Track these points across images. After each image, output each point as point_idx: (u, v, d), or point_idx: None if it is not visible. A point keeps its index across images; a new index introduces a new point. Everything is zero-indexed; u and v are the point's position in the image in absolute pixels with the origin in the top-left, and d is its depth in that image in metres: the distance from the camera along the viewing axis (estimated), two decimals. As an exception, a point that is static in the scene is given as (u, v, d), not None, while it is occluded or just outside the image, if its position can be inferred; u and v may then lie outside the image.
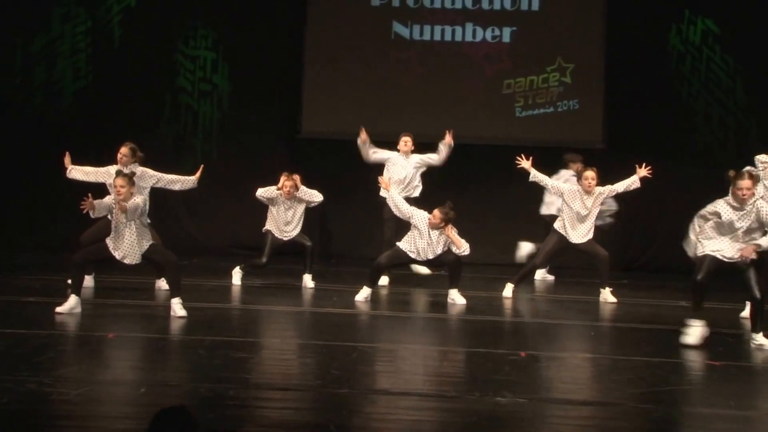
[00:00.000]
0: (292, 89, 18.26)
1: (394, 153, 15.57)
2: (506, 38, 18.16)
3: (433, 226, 13.76)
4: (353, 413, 9.18)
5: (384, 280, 15.22)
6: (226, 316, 13.18)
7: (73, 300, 12.66)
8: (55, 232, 17.19)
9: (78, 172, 13.98)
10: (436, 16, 18.22)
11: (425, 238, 13.80)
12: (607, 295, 14.42)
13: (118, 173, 12.76)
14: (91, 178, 13.95)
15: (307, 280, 15.02)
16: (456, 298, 14.07)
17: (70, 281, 12.97)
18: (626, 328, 13.17)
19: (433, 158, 15.55)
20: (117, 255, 12.61)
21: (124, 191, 12.43)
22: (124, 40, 18.26)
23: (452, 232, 13.59)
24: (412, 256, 13.99)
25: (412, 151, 15.53)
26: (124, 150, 13.85)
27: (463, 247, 13.69)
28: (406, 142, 15.52)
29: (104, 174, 13.88)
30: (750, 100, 17.56)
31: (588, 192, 14.09)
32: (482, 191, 17.16)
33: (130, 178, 12.61)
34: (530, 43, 18.08)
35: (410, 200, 14.80)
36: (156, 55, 18.24)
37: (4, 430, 8.36)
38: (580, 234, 14.28)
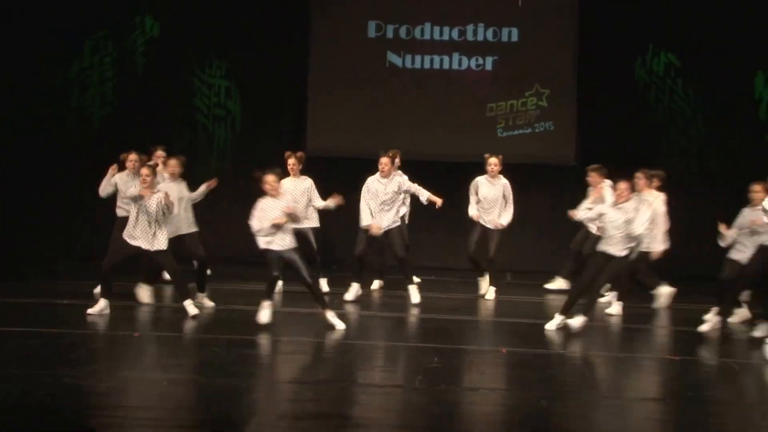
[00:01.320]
0: (297, 112, 18.32)
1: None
2: (489, 66, 18.23)
3: (384, 174, 13.97)
4: (353, 404, 9.28)
5: (376, 284, 15.28)
6: (239, 317, 13.20)
7: (102, 302, 12.76)
8: (84, 243, 17.32)
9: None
10: (426, 46, 18.29)
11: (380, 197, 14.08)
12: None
13: (145, 165, 12.96)
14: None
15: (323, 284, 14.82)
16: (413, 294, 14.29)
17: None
18: (600, 327, 13.25)
19: (420, 194, 14.56)
20: (133, 243, 12.73)
21: (150, 180, 12.66)
22: (147, 68, 18.33)
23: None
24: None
25: (399, 167, 14.68)
26: (133, 156, 13.79)
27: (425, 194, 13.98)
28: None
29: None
30: (708, 125, 17.64)
31: None
32: (467, 204, 17.15)
33: (153, 168, 12.84)
34: (510, 70, 18.14)
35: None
36: (175, 81, 18.31)
37: (42, 419, 8.46)
38: None
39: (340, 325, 12.30)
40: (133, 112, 18.07)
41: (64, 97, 18.27)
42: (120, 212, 13.99)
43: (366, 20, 18.33)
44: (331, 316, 12.36)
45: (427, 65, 18.30)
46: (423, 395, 9.48)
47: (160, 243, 12.76)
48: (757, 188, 12.49)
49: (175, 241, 13.22)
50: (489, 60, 18.23)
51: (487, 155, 14.82)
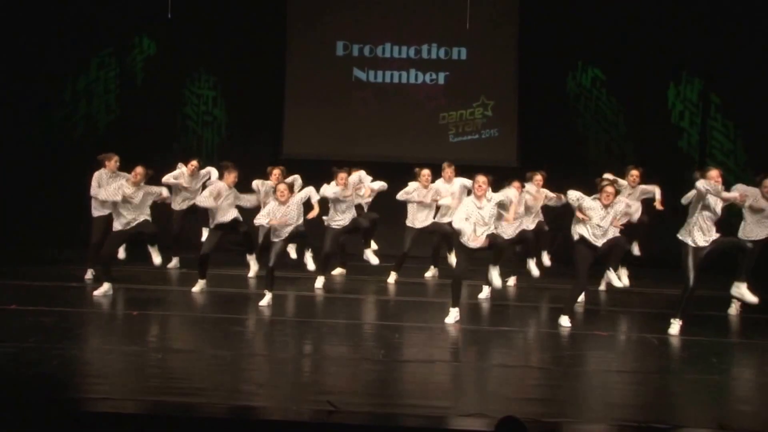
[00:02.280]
0: (275, 119, 18.30)
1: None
2: (441, 81, 18.25)
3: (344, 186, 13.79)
4: (326, 375, 9.30)
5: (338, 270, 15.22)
6: (226, 298, 13.19)
7: (106, 285, 12.74)
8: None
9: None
10: (386, 63, 18.29)
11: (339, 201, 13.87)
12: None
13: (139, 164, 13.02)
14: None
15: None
16: (370, 257, 14.27)
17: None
18: (535, 306, 13.33)
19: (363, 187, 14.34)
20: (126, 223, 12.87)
21: (141, 176, 12.86)
22: (145, 81, 18.27)
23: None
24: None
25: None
26: (115, 158, 14.13)
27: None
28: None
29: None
30: (629, 130, 17.77)
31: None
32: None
33: (145, 169, 12.96)
34: (460, 84, 18.17)
35: (359, 206, 14.54)
36: (169, 92, 18.27)
37: (53, 385, 8.45)
38: None
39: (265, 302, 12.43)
40: (133, 119, 18.04)
41: (73, 106, 18.21)
42: (95, 213, 14.05)
43: (335, 40, 18.32)
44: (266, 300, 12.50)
45: (387, 80, 18.31)
46: (386, 366, 9.51)
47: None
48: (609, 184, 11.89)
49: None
50: (441, 75, 18.26)
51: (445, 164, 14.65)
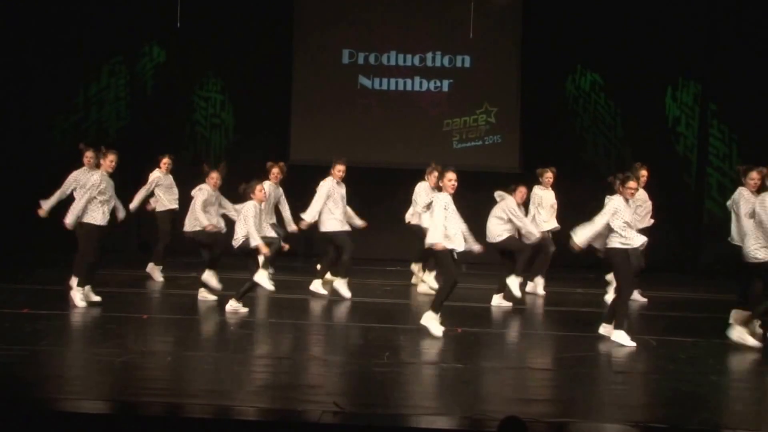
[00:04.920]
0: (282, 125, 18.38)
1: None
2: (445, 88, 18.33)
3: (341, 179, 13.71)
4: (332, 376, 9.37)
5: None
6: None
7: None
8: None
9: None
10: (391, 71, 18.36)
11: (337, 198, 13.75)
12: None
13: (105, 152, 12.78)
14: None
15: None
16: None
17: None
18: (536, 309, 13.38)
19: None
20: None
21: (90, 162, 12.91)
22: (155, 88, 18.39)
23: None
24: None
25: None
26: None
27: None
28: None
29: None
30: (626, 134, 17.88)
31: None
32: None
33: (115, 153, 12.78)
34: (464, 92, 18.25)
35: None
36: (178, 98, 18.37)
37: (67, 388, 8.53)
38: None
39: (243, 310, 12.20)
40: (143, 126, 18.16)
41: (85, 112, 18.34)
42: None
43: (341, 48, 18.40)
44: (233, 303, 12.24)
45: (392, 87, 18.39)
46: (391, 368, 9.56)
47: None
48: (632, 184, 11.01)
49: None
50: (445, 83, 18.34)
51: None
